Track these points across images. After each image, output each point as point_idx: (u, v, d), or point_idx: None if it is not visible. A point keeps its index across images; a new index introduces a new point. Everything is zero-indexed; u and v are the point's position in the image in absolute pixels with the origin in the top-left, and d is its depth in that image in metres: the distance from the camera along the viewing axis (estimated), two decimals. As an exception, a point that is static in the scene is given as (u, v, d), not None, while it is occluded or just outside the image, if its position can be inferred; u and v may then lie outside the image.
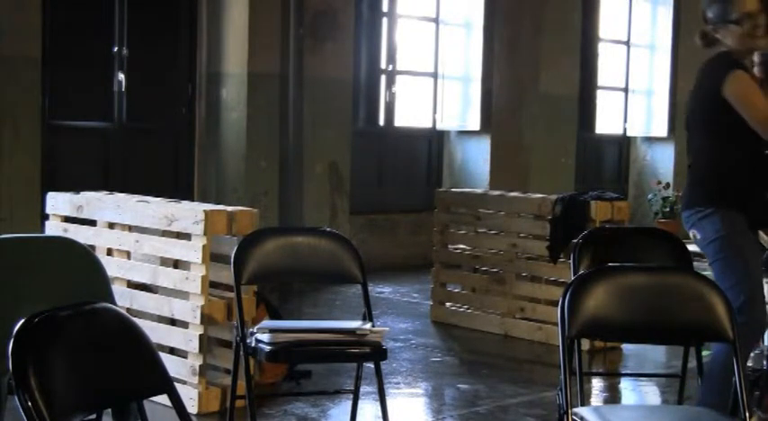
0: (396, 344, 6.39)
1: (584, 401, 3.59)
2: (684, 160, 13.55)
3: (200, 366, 4.76)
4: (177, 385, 2.39)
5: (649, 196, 12.34)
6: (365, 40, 10.01)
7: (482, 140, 10.67)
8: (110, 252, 5.23)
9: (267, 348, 3.77)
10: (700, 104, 4.19)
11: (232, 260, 4.03)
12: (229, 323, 4.72)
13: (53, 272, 3.36)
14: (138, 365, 2.33)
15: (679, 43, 12.45)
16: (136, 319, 2.49)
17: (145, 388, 2.35)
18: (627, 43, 12.59)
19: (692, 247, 4.22)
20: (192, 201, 7.39)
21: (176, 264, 5.01)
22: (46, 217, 5.60)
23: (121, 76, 8.27)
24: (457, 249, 7.23)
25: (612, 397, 5.63)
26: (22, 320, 2.05)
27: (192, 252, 4.77)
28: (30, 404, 1.94)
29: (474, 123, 10.65)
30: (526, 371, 6.08)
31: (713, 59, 4.18)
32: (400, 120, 10.42)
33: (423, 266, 8.44)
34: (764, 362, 4.43)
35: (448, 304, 7.28)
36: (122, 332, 2.31)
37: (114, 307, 2.45)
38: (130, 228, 5.14)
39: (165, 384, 2.36)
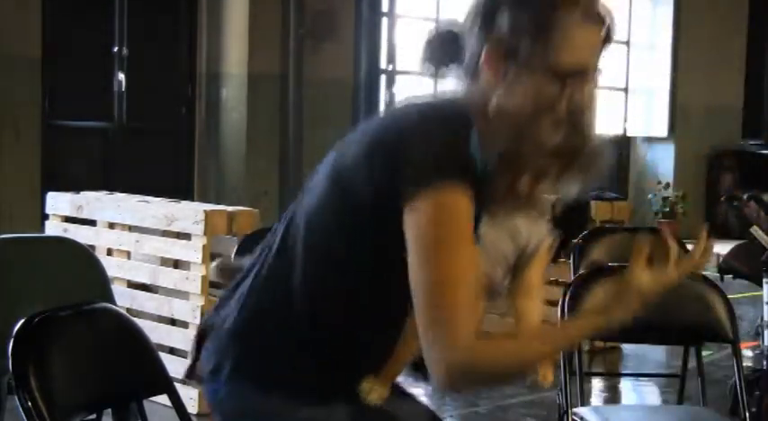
0: (396, 344, 6.37)
1: (584, 401, 3.59)
2: (685, 159, 13.43)
3: (200, 366, 4.75)
4: (177, 385, 2.39)
5: (649, 196, 12.34)
6: (365, 40, 10.01)
7: (482, 140, 10.66)
8: (110, 252, 5.22)
9: (267, 348, 3.77)
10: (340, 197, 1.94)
11: (232, 260, 4.02)
12: (229, 323, 4.71)
13: (53, 272, 3.36)
14: (138, 365, 2.32)
15: (679, 43, 12.44)
16: (136, 319, 2.49)
17: (145, 388, 2.34)
18: (627, 43, 12.58)
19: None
20: (192, 201, 7.39)
21: (176, 264, 5.00)
22: (46, 217, 5.59)
23: (121, 76, 8.27)
24: (457, 249, 7.21)
25: (612, 397, 5.63)
26: (22, 320, 2.05)
27: (192, 252, 4.77)
28: (30, 404, 1.94)
29: (474, 123, 10.63)
30: (526, 372, 6.06)
31: (428, 118, 1.89)
32: (400, 121, 10.41)
33: (423, 266, 8.41)
34: (764, 362, 4.43)
35: (448, 304, 7.26)
36: (122, 332, 2.30)
37: (114, 307, 2.45)
38: (130, 228, 5.14)
39: (165, 384, 2.36)
